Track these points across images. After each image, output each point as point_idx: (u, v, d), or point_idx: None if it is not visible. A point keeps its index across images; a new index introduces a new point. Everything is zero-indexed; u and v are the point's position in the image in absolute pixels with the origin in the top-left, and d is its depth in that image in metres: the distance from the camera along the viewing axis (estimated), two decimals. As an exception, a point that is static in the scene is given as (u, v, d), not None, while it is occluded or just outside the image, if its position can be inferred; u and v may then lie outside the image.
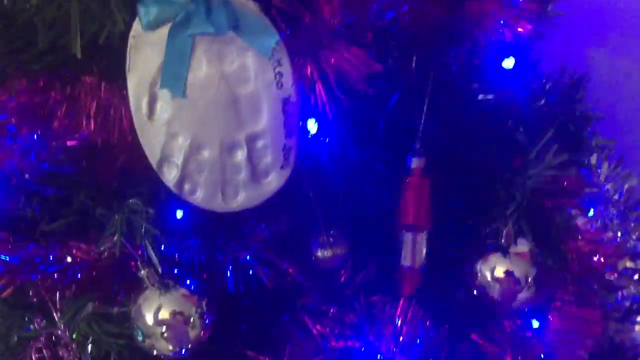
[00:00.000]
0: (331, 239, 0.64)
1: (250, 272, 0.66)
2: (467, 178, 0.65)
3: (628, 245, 0.97)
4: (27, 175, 0.68)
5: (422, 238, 0.64)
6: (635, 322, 0.98)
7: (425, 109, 0.59)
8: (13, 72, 0.54)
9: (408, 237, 0.64)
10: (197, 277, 0.62)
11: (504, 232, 0.62)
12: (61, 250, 0.61)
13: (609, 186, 0.99)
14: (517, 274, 0.63)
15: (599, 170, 0.99)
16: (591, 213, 0.87)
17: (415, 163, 0.63)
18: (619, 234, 0.95)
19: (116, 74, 0.56)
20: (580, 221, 0.91)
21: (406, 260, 0.65)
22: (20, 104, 0.56)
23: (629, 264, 0.98)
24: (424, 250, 0.64)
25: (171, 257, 0.62)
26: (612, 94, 1.13)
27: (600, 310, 0.74)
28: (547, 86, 0.74)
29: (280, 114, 0.54)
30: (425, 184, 0.63)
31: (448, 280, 0.66)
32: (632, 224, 0.98)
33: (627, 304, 0.97)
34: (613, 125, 1.16)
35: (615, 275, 0.89)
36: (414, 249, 0.64)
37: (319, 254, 0.64)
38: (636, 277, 0.97)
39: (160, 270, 0.57)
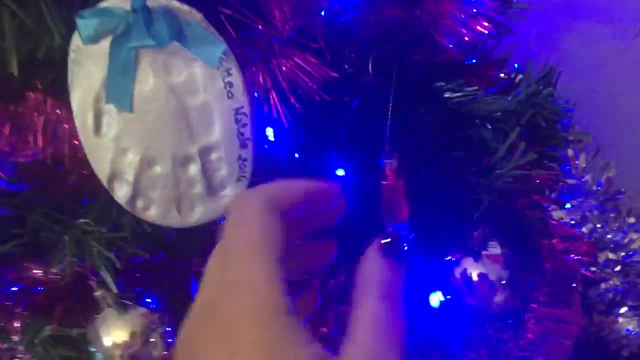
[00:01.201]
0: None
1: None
2: (436, 181, 0.63)
3: (608, 236, 0.96)
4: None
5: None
6: (618, 314, 0.97)
7: (389, 111, 0.57)
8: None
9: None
10: (158, 293, 0.60)
11: (474, 235, 0.60)
12: (16, 272, 0.59)
13: (587, 177, 0.97)
14: (491, 277, 0.61)
15: (576, 161, 0.98)
16: (568, 206, 0.86)
17: (387, 165, 0.60)
18: (599, 225, 0.94)
19: (62, 88, 0.54)
20: (557, 215, 0.90)
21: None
22: (-38, 124, 0.54)
23: (611, 256, 0.97)
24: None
25: (130, 274, 0.60)
26: (585, 84, 1.12)
27: (578, 310, 0.72)
28: (516, 80, 0.72)
29: (233, 124, 0.52)
30: (400, 184, 0.61)
31: (422, 286, 0.65)
32: (612, 215, 0.97)
33: (610, 296, 0.96)
34: (588, 115, 1.14)
35: (591, 273, 0.88)
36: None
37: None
38: (617, 268, 0.96)
39: (116, 290, 0.55)
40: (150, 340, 0.56)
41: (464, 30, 0.53)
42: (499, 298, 0.61)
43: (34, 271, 0.58)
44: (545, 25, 1.09)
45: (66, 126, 0.56)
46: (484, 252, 0.61)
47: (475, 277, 0.61)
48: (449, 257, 0.62)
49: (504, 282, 0.60)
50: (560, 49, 1.15)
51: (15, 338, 0.60)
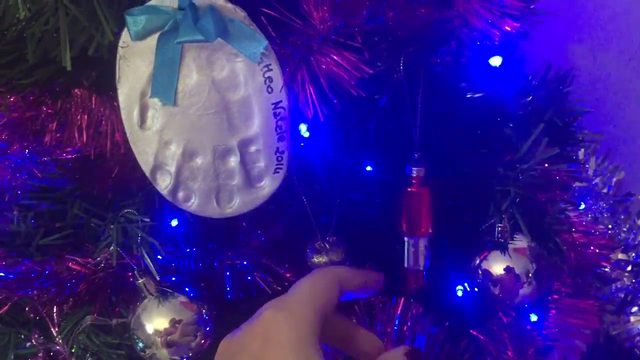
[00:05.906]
0: (327, 245, 0.63)
1: (249, 278, 0.66)
2: (460, 177, 0.65)
3: (619, 237, 0.99)
4: (19, 192, 0.68)
5: (424, 243, 0.63)
6: (630, 314, 0.99)
7: (419, 114, 0.59)
8: (3, 88, 0.53)
9: (409, 242, 0.63)
10: (195, 284, 0.62)
11: (500, 228, 0.62)
12: (57, 265, 0.61)
13: (597, 180, 1.00)
14: (517, 270, 0.63)
15: (586, 165, 1.01)
16: (582, 207, 0.88)
17: (415, 172, 0.61)
18: (610, 227, 0.97)
19: (106, 86, 0.56)
20: (571, 215, 0.92)
21: (409, 263, 0.63)
22: (11, 120, 0.56)
23: (621, 256, 0.99)
24: (426, 254, 0.63)
25: (168, 266, 0.62)
26: (595, 89, 1.15)
27: (597, 301, 0.74)
28: (534, 82, 0.75)
29: (272, 118, 0.55)
30: (425, 193, 0.61)
31: (447, 279, 0.66)
32: (622, 217, 0.99)
33: (622, 295, 0.98)
34: (597, 120, 1.17)
35: (609, 267, 0.90)
36: (417, 253, 0.63)
37: (315, 259, 0.63)
38: (629, 268, 0.98)
39: (158, 278, 0.57)
40: (190, 328, 0.58)
41: (492, 29, 0.56)
42: (524, 291, 0.63)
43: (76, 262, 0.60)
44: (553, 32, 1.13)
45: (108, 123, 0.58)
46: (510, 245, 0.62)
47: (501, 271, 0.63)
48: (476, 251, 0.63)
49: (530, 275, 0.62)
50: (565, 56, 1.18)
51: (55, 329, 0.62)
